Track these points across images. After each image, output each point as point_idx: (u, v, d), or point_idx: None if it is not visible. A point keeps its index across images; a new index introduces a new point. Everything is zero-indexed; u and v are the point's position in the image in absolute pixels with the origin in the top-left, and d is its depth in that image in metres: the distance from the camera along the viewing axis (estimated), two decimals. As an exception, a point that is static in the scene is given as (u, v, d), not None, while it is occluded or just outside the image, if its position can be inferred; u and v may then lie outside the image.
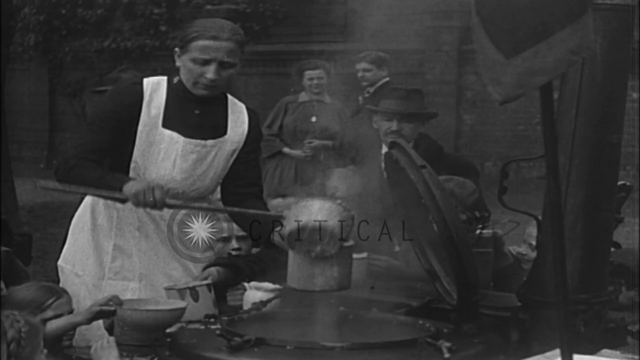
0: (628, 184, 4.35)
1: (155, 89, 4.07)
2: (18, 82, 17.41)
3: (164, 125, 4.02)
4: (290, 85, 13.18)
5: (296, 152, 8.84)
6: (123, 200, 3.90)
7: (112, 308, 3.65)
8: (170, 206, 3.89)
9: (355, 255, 3.90)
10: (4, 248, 4.99)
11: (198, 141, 4.06)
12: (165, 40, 15.98)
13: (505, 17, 2.57)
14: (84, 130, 4.13)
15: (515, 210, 3.77)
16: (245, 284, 4.10)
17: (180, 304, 3.72)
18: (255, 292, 3.98)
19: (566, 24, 2.54)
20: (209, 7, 15.52)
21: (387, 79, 8.71)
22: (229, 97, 4.21)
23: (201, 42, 3.95)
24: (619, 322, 3.59)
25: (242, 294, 4.04)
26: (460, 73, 13.81)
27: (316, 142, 8.75)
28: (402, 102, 5.92)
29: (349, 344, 3.26)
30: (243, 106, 4.25)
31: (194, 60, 3.97)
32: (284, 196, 4.77)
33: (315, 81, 8.88)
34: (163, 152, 4.03)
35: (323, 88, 8.93)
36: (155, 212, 4.04)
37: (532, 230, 4.34)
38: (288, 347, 3.24)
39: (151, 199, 3.78)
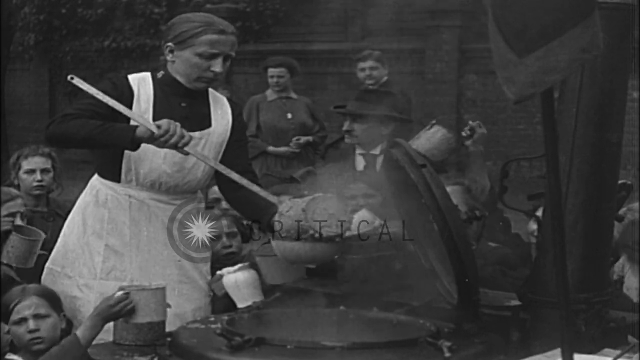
0: (629, 182, 4.35)
1: (141, 83, 4.10)
2: (18, 81, 17.41)
3: (154, 119, 4.00)
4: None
5: (282, 150, 8.88)
6: (134, 147, 3.87)
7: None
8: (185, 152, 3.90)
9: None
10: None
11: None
12: (166, 39, 15.96)
13: (516, 15, 2.56)
14: (82, 101, 4.02)
15: (516, 209, 3.77)
16: (219, 272, 4.13)
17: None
18: (230, 276, 4.02)
19: (577, 22, 2.52)
20: (209, 6, 15.49)
21: (386, 77, 8.72)
22: (210, 90, 4.27)
23: (209, 37, 4.02)
24: (620, 321, 3.59)
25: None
26: (461, 72, 13.79)
27: (303, 139, 8.83)
28: (354, 102, 5.95)
29: (349, 344, 3.25)
30: (224, 98, 4.33)
31: (200, 55, 4.03)
32: None
33: (275, 79, 9.03)
34: (153, 146, 3.96)
35: (285, 86, 9.06)
36: (151, 205, 4.04)
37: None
38: (288, 347, 3.23)
39: (179, 132, 3.81)
